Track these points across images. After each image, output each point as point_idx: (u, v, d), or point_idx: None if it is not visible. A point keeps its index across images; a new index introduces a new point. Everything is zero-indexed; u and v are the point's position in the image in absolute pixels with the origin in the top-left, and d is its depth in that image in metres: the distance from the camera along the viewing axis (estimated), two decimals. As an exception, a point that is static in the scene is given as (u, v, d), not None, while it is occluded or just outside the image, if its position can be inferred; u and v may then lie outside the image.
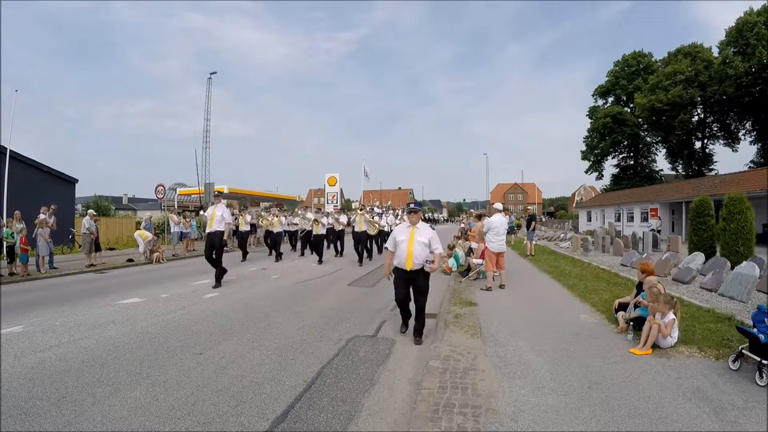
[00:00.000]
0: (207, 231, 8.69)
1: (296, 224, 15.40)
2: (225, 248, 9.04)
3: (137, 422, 2.99)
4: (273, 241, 14.38)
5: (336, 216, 15.33)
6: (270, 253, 14.58)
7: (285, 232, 15.74)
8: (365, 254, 13.26)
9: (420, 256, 4.82)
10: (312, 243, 13.86)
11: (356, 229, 12.76)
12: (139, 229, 15.04)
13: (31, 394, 3.42)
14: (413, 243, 4.83)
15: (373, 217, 14.08)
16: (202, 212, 15.75)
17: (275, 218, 14.55)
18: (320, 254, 13.10)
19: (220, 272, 8.65)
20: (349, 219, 16.17)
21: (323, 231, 13.58)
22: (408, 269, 4.85)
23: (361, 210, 13.45)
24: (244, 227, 14.81)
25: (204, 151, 38.36)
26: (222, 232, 8.51)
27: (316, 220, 13.35)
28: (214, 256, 8.51)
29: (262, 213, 16.95)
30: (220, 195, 9.29)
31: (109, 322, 5.74)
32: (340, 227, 14.79)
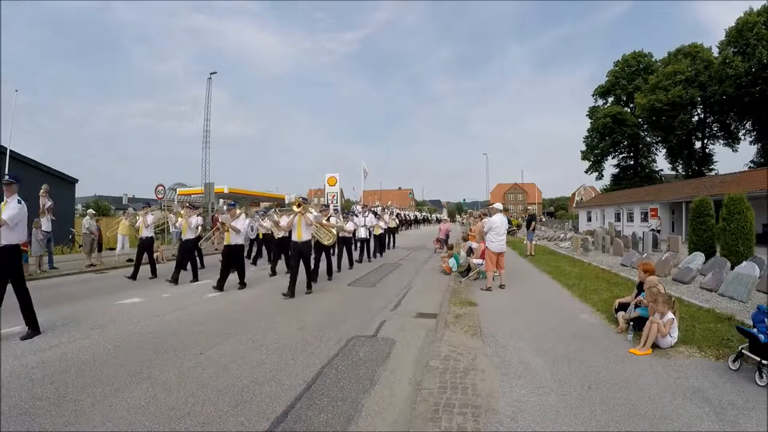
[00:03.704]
0: None
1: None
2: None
3: (137, 422, 2.99)
4: (182, 251, 9.54)
5: (275, 218, 10.33)
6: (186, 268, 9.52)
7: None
8: (337, 266, 10.43)
9: None
10: (224, 255, 8.62)
11: (294, 238, 8.00)
12: None
13: (31, 394, 3.41)
14: None
15: (328, 219, 10.17)
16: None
17: (181, 219, 10.09)
18: (240, 273, 8.55)
19: (29, 310, 5.03)
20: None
21: (239, 240, 8.65)
22: None
23: (298, 207, 7.89)
24: (144, 233, 9.95)
25: (204, 151, 38.47)
26: (18, 246, 4.94)
27: (223, 224, 8.69)
28: (13, 287, 4.92)
29: (182, 212, 10.42)
30: (12, 182, 5.27)
31: (109, 322, 5.74)
32: (281, 233, 10.35)
